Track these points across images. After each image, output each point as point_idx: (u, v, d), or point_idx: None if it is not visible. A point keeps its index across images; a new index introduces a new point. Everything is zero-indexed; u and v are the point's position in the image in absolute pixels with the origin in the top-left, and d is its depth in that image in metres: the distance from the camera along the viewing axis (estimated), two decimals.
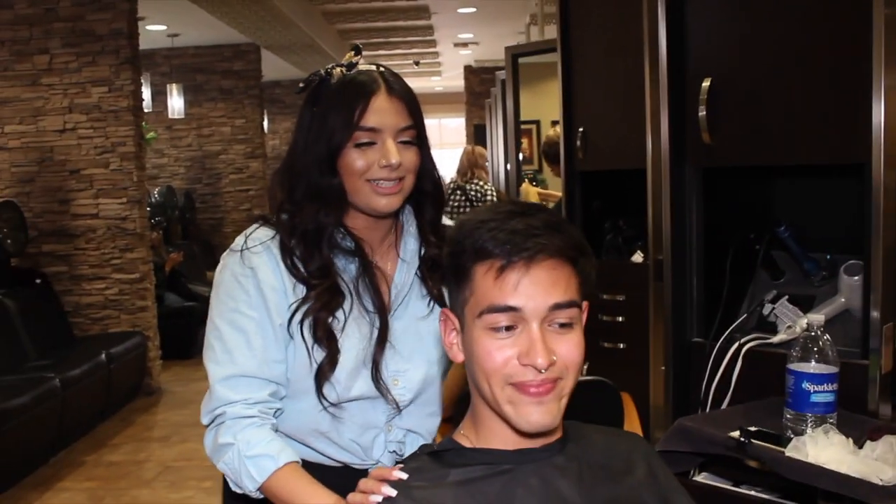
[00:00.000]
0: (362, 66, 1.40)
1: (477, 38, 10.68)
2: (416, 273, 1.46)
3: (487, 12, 8.82)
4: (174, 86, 8.20)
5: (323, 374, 1.36)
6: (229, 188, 9.23)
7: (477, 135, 11.97)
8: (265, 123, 9.82)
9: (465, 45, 11.17)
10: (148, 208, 6.22)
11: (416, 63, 12.52)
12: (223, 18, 7.22)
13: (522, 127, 6.53)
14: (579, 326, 1.05)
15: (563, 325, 1.03)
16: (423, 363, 1.44)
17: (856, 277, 1.86)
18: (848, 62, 1.70)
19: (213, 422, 1.37)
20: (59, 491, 4.29)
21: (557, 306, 1.02)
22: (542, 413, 1.02)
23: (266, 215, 1.46)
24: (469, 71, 13.00)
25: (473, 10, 8.72)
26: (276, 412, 1.40)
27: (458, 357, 1.11)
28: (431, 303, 1.46)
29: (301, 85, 1.42)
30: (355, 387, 1.38)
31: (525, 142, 7.29)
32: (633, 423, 2.44)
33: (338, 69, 1.40)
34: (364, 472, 1.18)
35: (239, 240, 1.42)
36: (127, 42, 5.75)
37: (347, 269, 1.41)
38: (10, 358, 4.96)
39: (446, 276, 1.11)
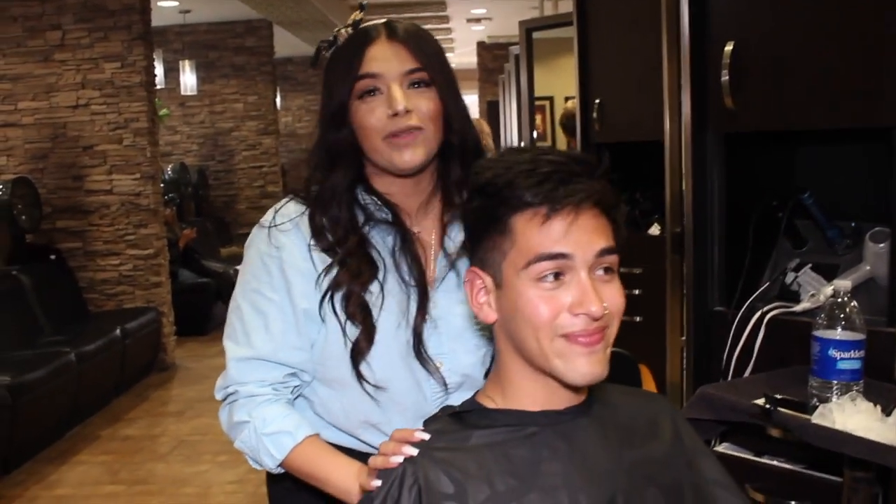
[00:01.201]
0: (366, 24, 1.31)
1: (490, 13, 10.59)
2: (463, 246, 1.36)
3: None
4: (187, 62, 8.18)
5: (359, 352, 1.27)
6: (242, 165, 9.22)
7: (490, 111, 11.92)
8: (278, 100, 9.78)
9: (477, 20, 11.08)
10: (161, 185, 6.21)
11: None
12: None
13: (536, 103, 6.47)
14: (618, 273, 1.04)
15: (606, 271, 1.01)
16: (473, 345, 1.32)
17: (881, 245, 1.83)
18: (873, 22, 1.65)
19: (226, 399, 1.34)
20: (75, 465, 4.32)
21: (603, 252, 1.00)
22: (593, 364, 0.99)
23: (298, 189, 1.38)
24: (482, 47, 12.91)
25: None
26: (293, 389, 1.35)
27: (490, 317, 1.06)
28: None
29: (314, 56, 1.36)
30: (396, 367, 1.29)
31: (539, 118, 7.23)
32: None
33: (343, 30, 1.33)
34: None
35: (268, 214, 1.35)
36: (139, 17, 5.72)
37: (385, 240, 1.32)
38: (25, 333, 4.98)
39: (474, 231, 1.06)
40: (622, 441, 1.06)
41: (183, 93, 8.29)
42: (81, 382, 4.77)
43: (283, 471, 1.30)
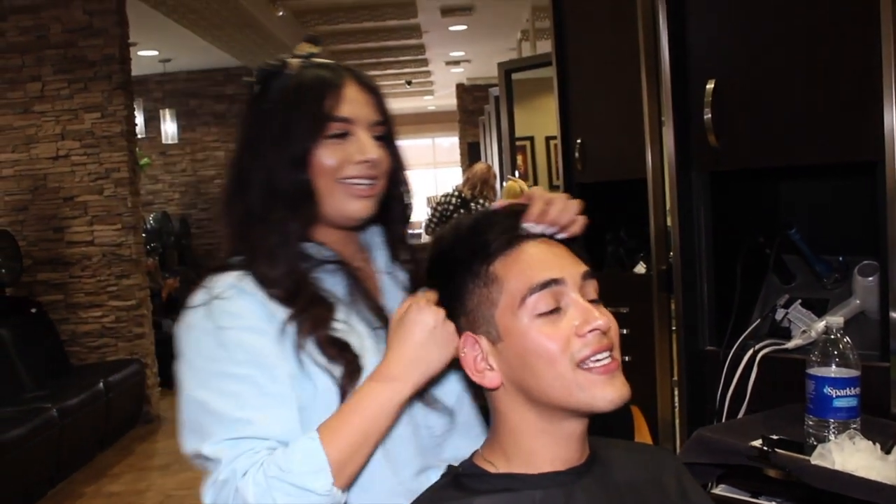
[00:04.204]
0: (320, 60, 1.24)
1: (468, 55, 10.69)
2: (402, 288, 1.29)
3: (478, 30, 8.83)
4: (167, 111, 8.17)
5: (350, 382, 1.13)
6: None
7: (471, 153, 11.97)
8: None
9: (456, 62, 11.18)
10: (143, 235, 6.17)
11: (409, 83, 12.52)
12: (215, 43, 7.22)
13: (517, 143, 6.50)
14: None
15: (592, 302, 1.02)
16: (454, 375, 1.20)
17: (870, 278, 1.82)
18: (855, 57, 1.66)
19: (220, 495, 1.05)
20: None
21: (587, 275, 1.02)
22: (617, 387, 0.99)
23: (221, 264, 1.22)
24: (461, 89, 13.01)
25: (464, 27, 8.73)
26: None
27: (494, 381, 1.03)
28: None
29: (249, 79, 1.23)
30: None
31: (520, 158, 7.26)
32: (643, 437, 2.39)
33: (294, 60, 1.22)
34: None
35: (200, 295, 1.18)
36: (119, 67, 5.72)
37: (334, 284, 1.21)
38: (6, 389, 4.89)
39: (453, 298, 1.05)
40: (625, 500, 1.03)
41: (164, 141, 8.26)
42: (64, 438, 4.67)
43: (347, 483, 1.06)
